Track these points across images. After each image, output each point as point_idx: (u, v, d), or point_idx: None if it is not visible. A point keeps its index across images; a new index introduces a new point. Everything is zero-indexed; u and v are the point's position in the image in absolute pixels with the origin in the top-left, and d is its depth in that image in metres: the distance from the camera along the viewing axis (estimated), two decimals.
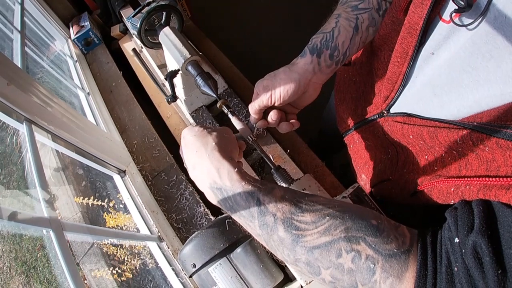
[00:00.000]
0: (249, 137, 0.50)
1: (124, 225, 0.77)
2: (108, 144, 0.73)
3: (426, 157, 0.40)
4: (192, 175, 0.40)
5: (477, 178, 0.30)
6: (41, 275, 0.72)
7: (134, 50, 0.76)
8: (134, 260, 0.74)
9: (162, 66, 0.89)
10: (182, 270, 0.64)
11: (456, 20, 0.28)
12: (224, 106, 0.53)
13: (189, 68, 0.61)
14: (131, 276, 0.73)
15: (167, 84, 0.65)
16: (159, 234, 0.68)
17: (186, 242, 0.53)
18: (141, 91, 0.98)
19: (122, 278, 0.72)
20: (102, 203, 0.79)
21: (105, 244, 0.77)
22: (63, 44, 1.13)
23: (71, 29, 1.12)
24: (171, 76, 0.65)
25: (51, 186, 0.55)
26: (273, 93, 0.45)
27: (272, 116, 0.47)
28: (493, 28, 0.26)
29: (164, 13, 0.68)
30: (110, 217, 0.78)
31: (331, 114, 0.74)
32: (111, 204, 0.79)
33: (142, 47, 0.95)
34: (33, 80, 0.53)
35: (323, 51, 0.43)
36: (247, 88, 0.89)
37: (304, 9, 1.94)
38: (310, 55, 0.43)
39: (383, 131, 0.47)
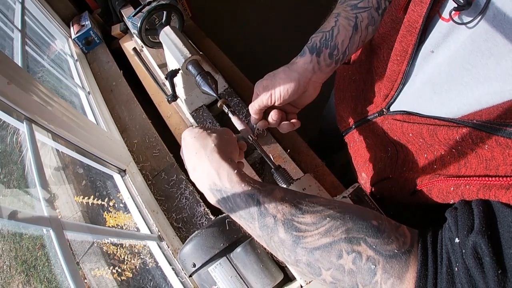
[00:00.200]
0: (249, 137, 0.49)
1: (124, 225, 0.77)
2: (108, 143, 0.73)
3: (425, 155, 0.40)
4: (192, 177, 0.40)
5: (477, 178, 0.30)
6: (41, 274, 0.73)
7: (134, 49, 0.76)
8: (134, 260, 0.74)
9: (163, 66, 0.89)
10: (182, 269, 0.64)
11: (456, 18, 0.28)
12: (224, 106, 0.53)
13: (190, 67, 0.61)
14: (131, 275, 0.73)
15: (167, 83, 0.65)
16: (159, 233, 0.68)
17: (186, 241, 0.53)
18: (142, 90, 0.98)
19: (122, 277, 0.72)
20: (102, 202, 0.79)
21: (105, 243, 0.77)
22: (63, 43, 1.13)
23: (71, 28, 1.12)
24: (171, 75, 0.65)
25: (51, 185, 0.55)
26: (273, 93, 0.44)
27: (273, 116, 0.47)
28: (492, 26, 0.26)
29: (165, 12, 0.68)
30: (110, 216, 0.78)
31: (331, 113, 0.74)
32: (111, 203, 0.79)
33: (142, 47, 0.95)
34: (33, 79, 0.53)
35: (322, 50, 0.43)
36: (247, 87, 0.89)
37: (304, 9, 1.94)
38: (310, 54, 0.43)
39: (383, 129, 0.47)
